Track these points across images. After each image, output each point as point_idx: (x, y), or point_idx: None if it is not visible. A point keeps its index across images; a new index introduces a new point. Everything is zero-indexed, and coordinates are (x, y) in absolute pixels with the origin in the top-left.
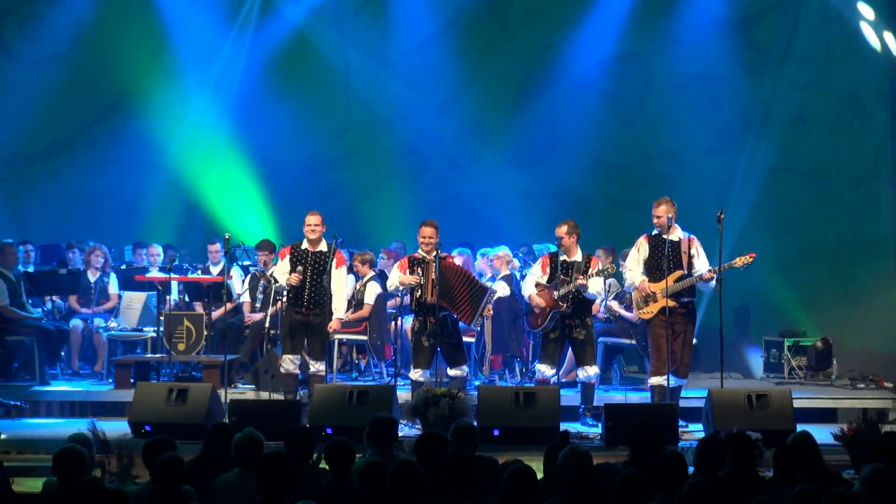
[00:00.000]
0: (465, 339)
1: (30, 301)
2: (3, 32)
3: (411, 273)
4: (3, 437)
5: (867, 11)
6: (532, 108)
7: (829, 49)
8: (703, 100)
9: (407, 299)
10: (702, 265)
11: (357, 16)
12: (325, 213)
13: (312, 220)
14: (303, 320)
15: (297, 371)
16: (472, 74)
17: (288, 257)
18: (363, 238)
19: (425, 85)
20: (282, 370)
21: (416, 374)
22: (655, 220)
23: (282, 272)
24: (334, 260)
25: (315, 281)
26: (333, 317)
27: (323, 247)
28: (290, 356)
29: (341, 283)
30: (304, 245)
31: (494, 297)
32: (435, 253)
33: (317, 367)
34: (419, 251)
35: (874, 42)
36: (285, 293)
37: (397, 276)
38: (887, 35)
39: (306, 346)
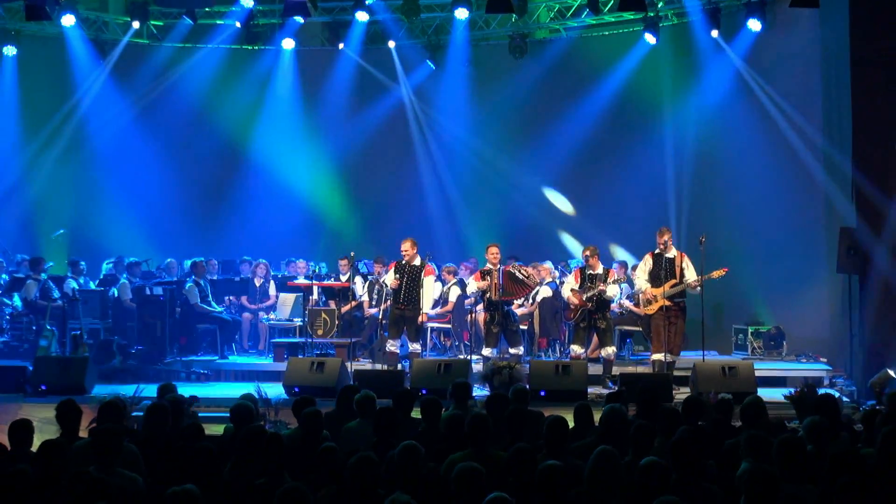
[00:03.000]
0: (521, 326)
1: (213, 300)
2: (187, 134)
3: (482, 280)
4: (198, 397)
5: None
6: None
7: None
8: None
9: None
10: (691, 275)
11: (445, 89)
12: (421, 237)
13: (404, 246)
14: (400, 314)
15: (398, 350)
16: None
17: (394, 268)
18: (448, 254)
19: (512, 147)
20: (387, 349)
21: (485, 351)
22: (660, 245)
23: (389, 279)
24: (423, 271)
25: (409, 286)
26: (421, 311)
27: (417, 262)
28: (392, 340)
29: (429, 289)
30: (405, 260)
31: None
32: (499, 266)
33: (414, 346)
34: (488, 265)
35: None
36: (390, 293)
37: (474, 284)
38: None
39: (406, 332)
